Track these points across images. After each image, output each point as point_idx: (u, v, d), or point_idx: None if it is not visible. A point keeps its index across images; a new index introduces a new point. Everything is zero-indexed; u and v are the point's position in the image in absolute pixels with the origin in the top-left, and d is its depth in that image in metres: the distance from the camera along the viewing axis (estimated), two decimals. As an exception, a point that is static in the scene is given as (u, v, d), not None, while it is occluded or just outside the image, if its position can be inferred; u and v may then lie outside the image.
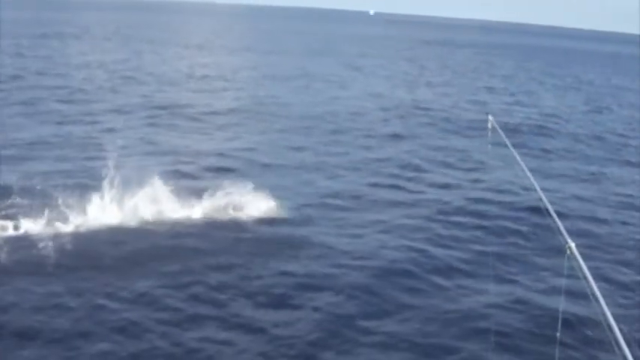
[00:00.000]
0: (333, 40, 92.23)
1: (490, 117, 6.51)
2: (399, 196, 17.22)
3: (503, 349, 9.22)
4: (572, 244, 4.90)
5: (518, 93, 42.00)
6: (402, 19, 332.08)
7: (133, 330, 9.34)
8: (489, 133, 6.45)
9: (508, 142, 5.97)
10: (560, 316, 6.04)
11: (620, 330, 4.64)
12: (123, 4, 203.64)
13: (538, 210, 11.43)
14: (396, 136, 24.81)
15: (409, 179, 18.92)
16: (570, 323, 9.49)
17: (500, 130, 6.26)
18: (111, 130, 22.11)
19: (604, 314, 4.71)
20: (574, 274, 4.88)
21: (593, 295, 4.84)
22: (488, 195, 17.55)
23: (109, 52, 48.97)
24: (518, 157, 5.64)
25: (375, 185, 17.93)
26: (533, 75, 56.85)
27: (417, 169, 20.12)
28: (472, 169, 20.66)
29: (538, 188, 5.26)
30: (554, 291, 10.91)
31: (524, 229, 14.87)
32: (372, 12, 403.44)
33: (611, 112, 36.78)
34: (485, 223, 15.01)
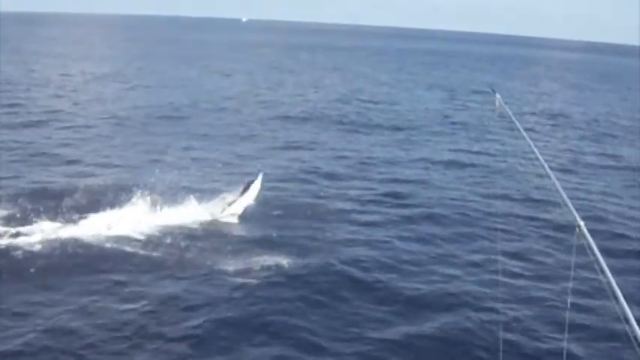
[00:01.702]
0: (206, 47, 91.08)
1: (497, 95, 6.36)
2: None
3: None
4: (582, 223, 4.77)
5: (382, 93, 43.30)
6: (274, 25, 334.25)
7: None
8: (496, 111, 6.30)
9: (514, 119, 5.82)
10: (570, 292, 5.95)
11: (627, 301, 4.59)
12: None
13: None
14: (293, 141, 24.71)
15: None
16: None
17: (507, 108, 6.12)
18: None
19: (613, 291, 4.63)
20: (583, 252, 4.78)
21: (602, 271, 4.75)
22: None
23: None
24: (525, 135, 5.49)
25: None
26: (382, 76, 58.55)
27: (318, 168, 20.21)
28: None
29: (546, 167, 5.09)
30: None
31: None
32: (244, 19, 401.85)
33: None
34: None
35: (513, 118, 5.73)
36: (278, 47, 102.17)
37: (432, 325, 9.84)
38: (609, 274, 4.65)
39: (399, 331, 9.67)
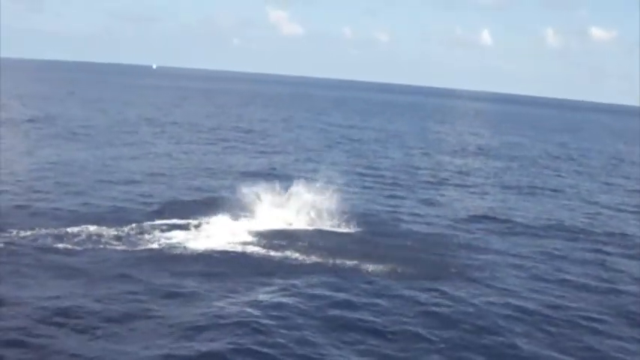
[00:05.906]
0: (130, 90, 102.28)
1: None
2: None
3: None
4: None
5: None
6: (185, 72, 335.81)
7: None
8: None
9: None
10: None
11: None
12: None
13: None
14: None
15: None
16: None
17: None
18: None
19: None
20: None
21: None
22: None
23: None
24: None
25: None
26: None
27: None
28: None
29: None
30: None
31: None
32: (154, 66, 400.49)
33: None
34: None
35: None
36: (184, 90, 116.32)
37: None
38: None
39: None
